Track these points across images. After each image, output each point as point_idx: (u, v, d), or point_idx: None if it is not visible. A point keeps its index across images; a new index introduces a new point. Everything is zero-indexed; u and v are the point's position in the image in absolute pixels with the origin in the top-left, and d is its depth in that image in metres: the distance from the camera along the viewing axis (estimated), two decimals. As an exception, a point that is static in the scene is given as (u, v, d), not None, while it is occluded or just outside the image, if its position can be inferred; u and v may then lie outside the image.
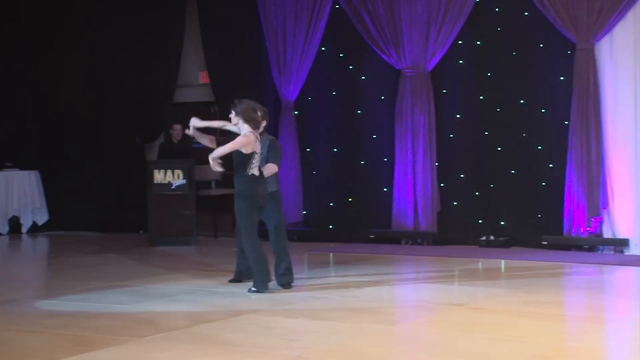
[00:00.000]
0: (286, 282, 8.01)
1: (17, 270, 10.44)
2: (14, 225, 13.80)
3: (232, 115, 7.97)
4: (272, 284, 7.92)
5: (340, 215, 12.21)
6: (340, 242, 11.78)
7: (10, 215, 13.66)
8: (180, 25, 13.50)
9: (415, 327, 6.51)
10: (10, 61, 14.23)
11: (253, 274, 7.86)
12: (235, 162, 7.75)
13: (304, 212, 12.49)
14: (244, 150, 7.66)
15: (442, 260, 10.18)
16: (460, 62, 11.65)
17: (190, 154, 12.18)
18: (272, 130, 12.56)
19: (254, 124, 7.76)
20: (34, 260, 11.35)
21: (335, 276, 9.07)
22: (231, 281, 8.28)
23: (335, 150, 12.40)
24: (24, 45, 14.32)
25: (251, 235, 7.73)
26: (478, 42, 11.56)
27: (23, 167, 13.96)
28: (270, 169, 7.99)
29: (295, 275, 8.20)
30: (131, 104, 13.74)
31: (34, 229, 13.89)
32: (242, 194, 7.69)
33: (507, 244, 11.07)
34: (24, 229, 13.76)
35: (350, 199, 12.24)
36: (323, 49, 12.32)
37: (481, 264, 9.91)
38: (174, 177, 11.55)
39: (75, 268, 9.70)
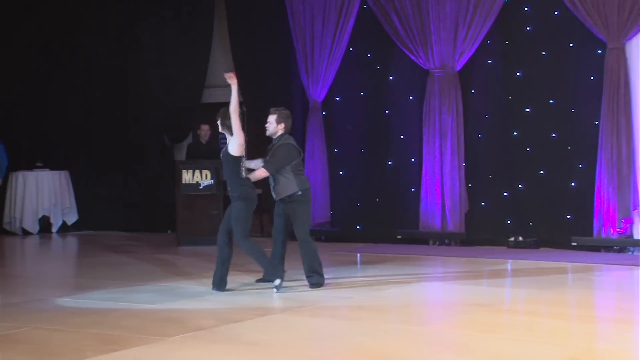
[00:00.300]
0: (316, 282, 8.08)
1: (47, 269, 10.56)
2: (44, 224, 13.96)
3: (273, 120, 8.12)
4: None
5: (367, 216, 12.21)
6: (367, 242, 11.78)
7: (40, 215, 13.82)
8: (209, 26, 13.57)
9: (442, 328, 6.51)
10: (40, 62, 14.40)
11: (264, 269, 8.02)
12: (231, 167, 7.86)
13: (331, 213, 12.51)
14: (236, 154, 7.81)
15: (470, 261, 10.14)
16: (489, 61, 11.61)
17: (218, 154, 12.22)
18: (299, 130, 12.62)
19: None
20: (64, 260, 11.47)
21: (362, 276, 9.08)
22: (259, 281, 8.33)
23: (362, 150, 12.40)
24: (53, 46, 14.48)
25: (247, 236, 7.84)
26: (507, 42, 11.50)
27: (53, 168, 14.12)
28: (258, 174, 8.03)
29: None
30: (160, 105, 13.85)
31: (64, 229, 14.04)
32: (243, 197, 7.80)
33: (536, 245, 11.01)
34: (54, 229, 13.91)
35: (377, 200, 12.23)
36: (351, 49, 12.33)
37: (509, 264, 9.86)
38: (202, 177, 11.63)
39: (104, 267, 9.79)
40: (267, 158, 8.12)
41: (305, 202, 8.13)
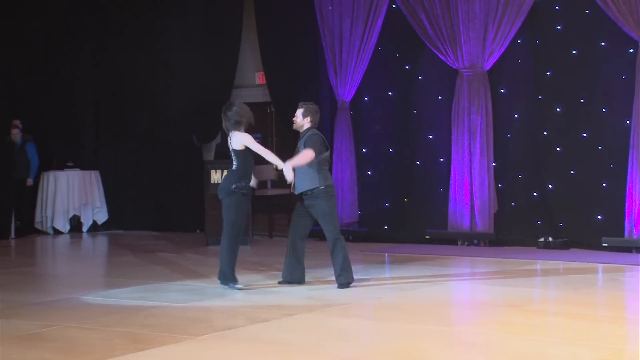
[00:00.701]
0: (344, 282, 8.04)
1: (77, 268, 10.66)
2: (75, 224, 14.10)
3: (299, 114, 8.10)
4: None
5: (395, 216, 12.19)
6: (395, 242, 11.76)
7: (71, 214, 13.96)
8: (238, 26, 13.62)
9: (470, 329, 6.48)
10: (72, 63, 14.54)
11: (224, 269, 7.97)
12: (250, 162, 7.96)
13: (359, 213, 12.50)
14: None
15: (499, 261, 10.08)
16: (519, 61, 11.53)
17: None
18: (327, 130, 12.61)
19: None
20: (94, 259, 11.58)
21: (390, 276, 9.06)
22: (281, 282, 8.30)
23: (390, 150, 12.38)
24: (84, 46, 14.62)
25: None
26: (537, 41, 11.42)
27: (84, 167, 14.26)
28: (304, 155, 7.92)
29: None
30: (189, 105, 13.93)
31: (94, 228, 14.17)
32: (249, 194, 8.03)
33: (566, 246, 10.92)
34: (84, 228, 14.04)
35: (405, 199, 12.21)
36: (379, 48, 12.31)
37: (539, 265, 9.80)
38: (231, 177, 11.64)
39: (133, 266, 9.87)
40: (298, 148, 8.08)
41: (328, 199, 7.95)
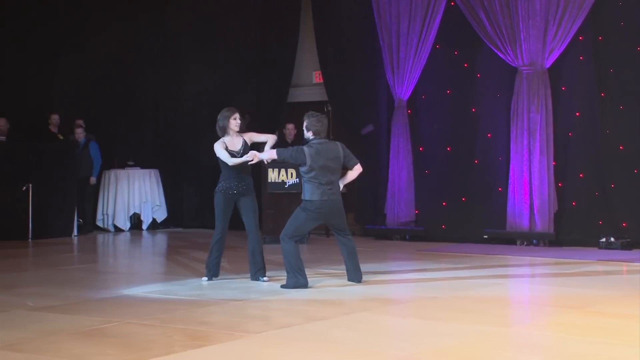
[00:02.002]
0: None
1: (137, 265, 10.84)
2: (135, 221, 14.32)
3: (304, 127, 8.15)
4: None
5: (453, 215, 12.10)
6: (453, 242, 11.69)
7: (131, 213, 14.18)
8: (295, 25, 13.67)
9: (529, 330, 6.40)
10: (132, 63, 14.78)
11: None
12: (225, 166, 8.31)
13: (416, 212, 12.45)
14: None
15: (559, 262, 9.94)
16: (580, 58, 11.35)
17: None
18: (384, 129, 12.62)
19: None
20: (153, 256, 11.74)
21: (448, 276, 9.00)
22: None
23: (448, 149, 12.30)
24: (145, 43, 14.85)
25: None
26: (600, 38, 11.23)
27: (144, 166, 14.46)
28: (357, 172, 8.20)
29: (406, 275, 8.19)
30: (246, 103, 14.02)
31: (154, 226, 14.37)
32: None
33: (628, 246, 10.72)
34: (144, 226, 14.25)
35: (463, 199, 12.11)
36: (437, 46, 12.24)
37: (600, 266, 9.63)
38: (287, 176, 11.72)
39: (191, 264, 9.98)
40: (346, 157, 8.08)
41: (301, 210, 8.12)
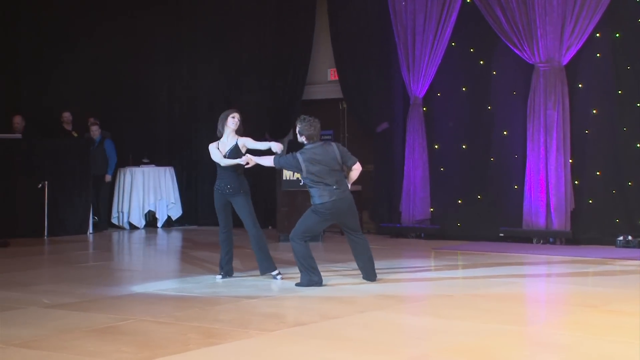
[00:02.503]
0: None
1: (152, 262, 10.87)
2: (150, 219, 14.36)
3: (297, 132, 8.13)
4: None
5: (468, 213, 12.06)
6: (468, 240, 11.65)
7: (146, 210, 14.22)
8: (310, 23, 13.66)
9: (545, 329, 6.36)
10: (147, 60, 14.82)
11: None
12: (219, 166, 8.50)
13: (431, 210, 12.41)
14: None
15: (576, 260, 9.89)
16: (598, 55, 11.28)
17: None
18: (400, 126, 12.59)
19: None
20: (168, 253, 11.76)
21: (463, 275, 8.97)
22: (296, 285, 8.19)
23: (464, 146, 12.25)
24: (160, 43, 14.89)
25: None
26: (617, 34, 11.15)
27: (159, 164, 14.50)
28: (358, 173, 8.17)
29: (421, 274, 8.17)
30: (260, 101, 14.03)
31: (169, 224, 14.40)
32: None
33: (646, 245, 10.66)
34: (159, 223, 14.29)
35: (479, 197, 12.07)
36: (453, 44, 12.20)
37: (617, 265, 9.57)
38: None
39: (205, 262, 9.99)
40: (343, 157, 8.02)
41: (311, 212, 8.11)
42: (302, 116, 8.14)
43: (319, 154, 7.92)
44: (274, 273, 8.41)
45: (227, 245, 8.56)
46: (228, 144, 8.54)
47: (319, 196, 7.92)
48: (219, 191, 8.63)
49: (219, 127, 8.61)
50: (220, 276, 8.53)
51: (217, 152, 8.53)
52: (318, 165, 7.89)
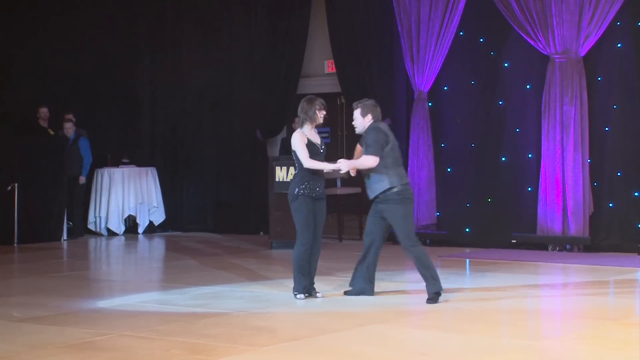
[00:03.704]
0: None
1: (132, 272, 10.87)
2: (130, 224, 14.36)
3: (358, 115, 7.91)
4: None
5: (477, 218, 12.09)
6: (478, 247, 11.67)
7: (126, 215, 14.21)
8: (306, 10, 13.67)
9: (562, 344, 6.39)
10: (128, 55, 14.84)
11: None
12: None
13: (438, 214, 12.44)
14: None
15: (595, 269, 9.92)
16: (619, 45, 11.32)
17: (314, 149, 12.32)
18: (403, 123, 12.61)
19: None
20: (150, 262, 11.77)
21: (472, 285, 9.00)
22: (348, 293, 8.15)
23: (472, 145, 12.28)
24: (143, 38, 14.92)
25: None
26: (639, 23, 11.20)
27: (140, 164, 14.49)
28: (363, 161, 7.91)
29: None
30: (252, 96, 14.05)
31: (150, 229, 14.40)
32: None
33: (671, 252, 10.71)
34: (140, 229, 14.28)
35: (489, 200, 12.10)
36: (461, 33, 12.23)
37: (640, 274, 9.62)
38: (296, 175, 11.69)
39: (191, 271, 10.00)
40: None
41: (401, 202, 7.80)
42: (360, 100, 8.07)
43: (389, 131, 7.88)
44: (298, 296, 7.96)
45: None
46: (316, 138, 7.99)
47: (398, 176, 7.75)
48: (307, 194, 7.91)
49: (305, 115, 7.92)
50: (303, 296, 7.95)
51: (305, 149, 7.82)
52: (394, 140, 7.87)
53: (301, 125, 8.00)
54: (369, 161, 7.77)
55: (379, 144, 7.75)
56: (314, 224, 7.90)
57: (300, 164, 7.91)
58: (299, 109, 8.02)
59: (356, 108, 7.95)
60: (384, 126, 7.93)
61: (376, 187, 7.81)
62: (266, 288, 8.63)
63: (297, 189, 7.89)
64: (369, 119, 7.90)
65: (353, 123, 8.03)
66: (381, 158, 7.74)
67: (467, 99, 12.35)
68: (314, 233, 7.93)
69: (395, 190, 7.78)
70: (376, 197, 7.87)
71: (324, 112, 8.02)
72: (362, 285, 7.98)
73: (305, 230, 7.87)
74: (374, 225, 7.98)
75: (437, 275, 7.78)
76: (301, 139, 7.88)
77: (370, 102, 8.03)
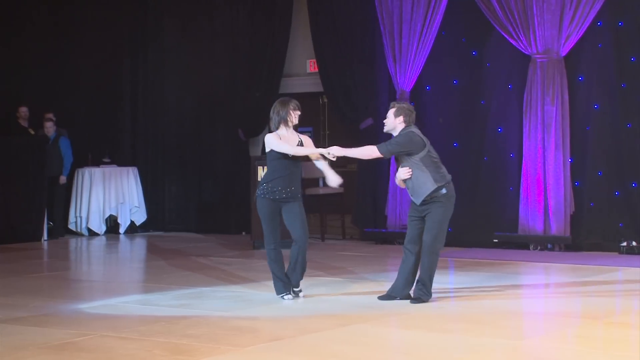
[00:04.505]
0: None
1: (113, 272, 10.83)
2: (111, 224, 14.31)
3: (391, 114, 7.83)
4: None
5: (459, 217, 11.97)
6: (460, 246, 11.69)
7: (107, 215, 14.16)
8: (288, 9, 13.66)
9: (544, 343, 6.41)
10: (109, 51, 14.77)
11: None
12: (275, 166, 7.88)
13: (421, 214, 12.44)
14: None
15: (576, 268, 9.97)
16: (599, 45, 11.37)
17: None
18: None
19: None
20: (131, 262, 11.73)
21: (454, 284, 9.01)
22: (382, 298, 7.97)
23: (455, 144, 12.31)
24: (123, 34, 14.85)
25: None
26: (620, 23, 11.25)
27: (121, 163, 14.44)
28: (364, 150, 7.93)
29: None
30: (234, 96, 14.03)
31: (132, 229, 14.35)
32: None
33: (651, 251, 10.76)
34: (122, 229, 14.23)
35: (471, 199, 12.11)
36: (443, 33, 12.24)
37: (621, 273, 9.65)
38: (279, 175, 11.67)
39: (173, 271, 9.98)
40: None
41: (444, 203, 7.75)
42: (398, 101, 8.09)
43: (423, 136, 7.81)
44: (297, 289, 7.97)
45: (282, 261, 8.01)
46: (292, 140, 7.90)
47: (441, 175, 7.74)
48: (269, 196, 7.87)
49: (279, 118, 7.88)
50: (289, 295, 7.92)
51: (284, 142, 7.79)
52: (429, 143, 7.81)
53: (276, 127, 7.93)
54: (367, 150, 7.78)
55: (399, 148, 7.70)
56: (276, 225, 7.89)
57: (271, 165, 7.87)
58: (272, 112, 7.95)
59: (391, 108, 7.91)
60: (417, 131, 7.82)
61: (421, 191, 7.73)
62: (248, 288, 8.62)
63: (257, 191, 7.97)
64: (400, 121, 7.81)
65: (384, 121, 7.98)
66: (421, 161, 7.69)
67: (449, 99, 12.37)
68: (284, 234, 7.95)
69: (443, 192, 7.73)
70: (423, 200, 7.75)
71: (299, 112, 7.98)
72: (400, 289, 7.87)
73: (266, 231, 7.92)
74: (413, 229, 7.89)
75: (430, 287, 7.76)
76: (275, 137, 7.86)
77: (408, 106, 7.96)
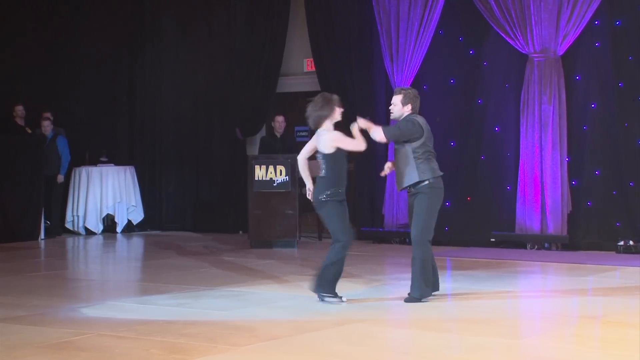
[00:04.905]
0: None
1: (110, 272, 10.83)
2: (109, 224, 14.29)
3: (398, 101, 7.76)
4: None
5: (457, 217, 12.11)
6: (457, 246, 11.70)
7: (104, 214, 14.14)
8: (285, 8, 13.65)
9: (541, 342, 6.41)
10: (107, 52, 14.76)
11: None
12: (341, 166, 7.74)
13: (418, 213, 12.44)
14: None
15: (573, 267, 9.97)
16: (597, 45, 11.38)
17: (294, 149, 12.31)
18: (383, 122, 12.57)
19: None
20: (128, 262, 11.72)
21: (452, 284, 9.01)
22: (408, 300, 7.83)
23: (452, 144, 12.31)
24: (122, 33, 14.84)
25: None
26: (617, 22, 11.26)
27: (118, 163, 14.43)
28: (372, 133, 7.83)
29: (406, 282, 8.17)
30: (231, 95, 14.02)
31: (129, 228, 14.34)
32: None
33: (648, 250, 10.77)
34: (119, 228, 14.22)
35: (468, 199, 12.13)
36: (440, 32, 12.25)
37: (618, 272, 9.66)
38: (276, 174, 11.71)
39: (170, 270, 9.97)
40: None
41: (428, 194, 7.68)
42: (403, 87, 8.04)
43: (425, 125, 7.73)
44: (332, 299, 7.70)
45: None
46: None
47: (431, 170, 7.67)
48: (338, 198, 7.72)
49: (322, 115, 7.73)
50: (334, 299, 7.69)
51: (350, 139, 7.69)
52: (429, 134, 7.74)
53: (318, 126, 7.74)
54: (377, 132, 7.70)
55: (402, 134, 7.64)
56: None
57: (337, 165, 7.68)
58: (314, 108, 7.74)
59: (398, 94, 7.81)
60: (420, 119, 7.74)
61: (403, 180, 7.72)
62: (245, 287, 8.61)
63: (324, 196, 7.69)
64: (408, 109, 7.75)
65: (390, 108, 7.91)
66: (415, 150, 7.63)
67: (446, 98, 12.37)
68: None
69: (425, 183, 7.67)
70: (404, 188, 7.74)
71: (342, 109, 7.82)
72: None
73: (341, 228, 7.70)
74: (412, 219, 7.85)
75: (428, 283, 7.69)
76: (341, 134, 7.70)
77: (413, 91, 7.85)
